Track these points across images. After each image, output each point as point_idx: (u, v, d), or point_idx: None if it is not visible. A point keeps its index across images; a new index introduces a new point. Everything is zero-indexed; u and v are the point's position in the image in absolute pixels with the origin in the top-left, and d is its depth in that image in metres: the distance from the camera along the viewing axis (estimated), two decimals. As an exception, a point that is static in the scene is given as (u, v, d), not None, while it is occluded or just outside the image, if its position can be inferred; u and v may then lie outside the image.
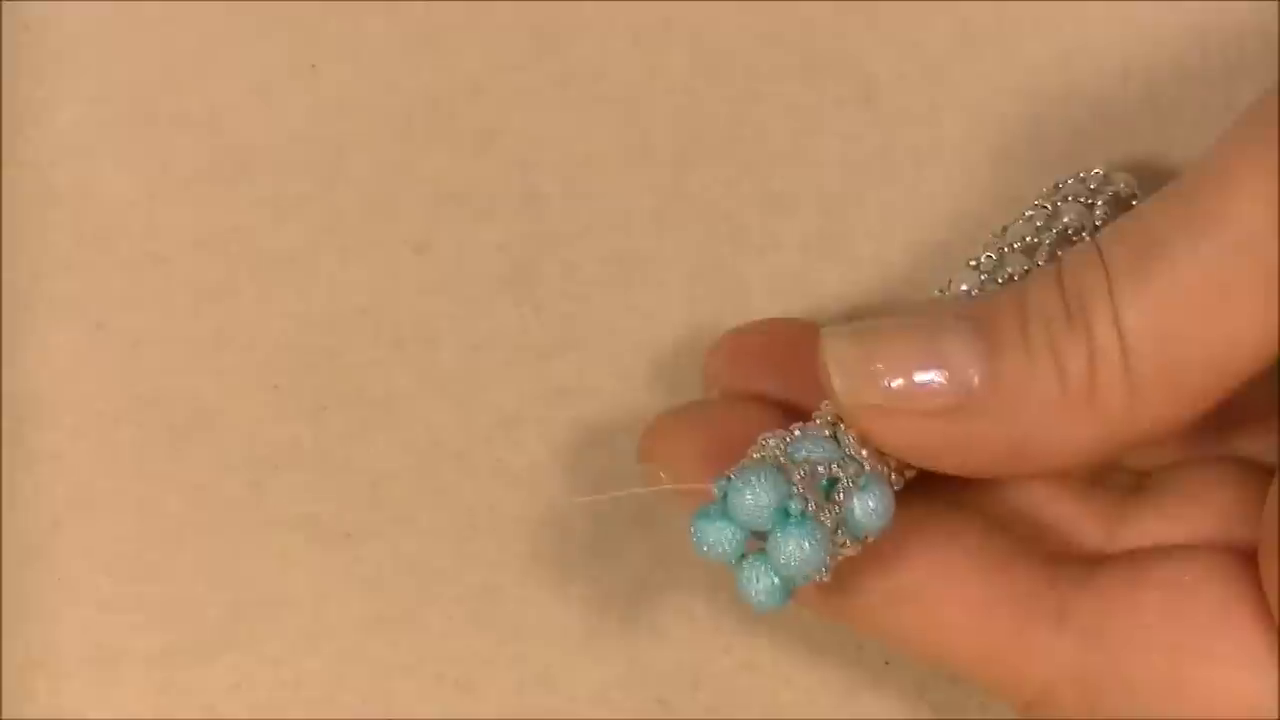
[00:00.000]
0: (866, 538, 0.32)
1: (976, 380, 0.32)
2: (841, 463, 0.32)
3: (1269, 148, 0.31)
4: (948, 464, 0.33)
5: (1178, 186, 0.32)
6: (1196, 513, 0.34)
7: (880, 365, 0.32)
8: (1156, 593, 0.32)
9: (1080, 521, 0.35)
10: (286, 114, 0.39)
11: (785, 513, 0.31)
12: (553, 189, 0.39)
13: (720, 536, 0.32)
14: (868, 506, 0.32)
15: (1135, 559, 0.33)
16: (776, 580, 0.31)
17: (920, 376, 0.32)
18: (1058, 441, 0.32)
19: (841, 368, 0.32)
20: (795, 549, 0.31)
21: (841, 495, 0.32)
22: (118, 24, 0.40)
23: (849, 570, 0.33)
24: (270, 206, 0.39)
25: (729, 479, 0.31)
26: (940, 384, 0.32)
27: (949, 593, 0.33)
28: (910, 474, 0.34)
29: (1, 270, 0.39)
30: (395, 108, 0.39)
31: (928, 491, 0.35)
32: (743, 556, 0.32)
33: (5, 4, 0.39)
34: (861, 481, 0.32)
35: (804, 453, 0.32)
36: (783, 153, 0.39)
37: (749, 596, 0.32)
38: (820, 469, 0.32)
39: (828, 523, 0.31)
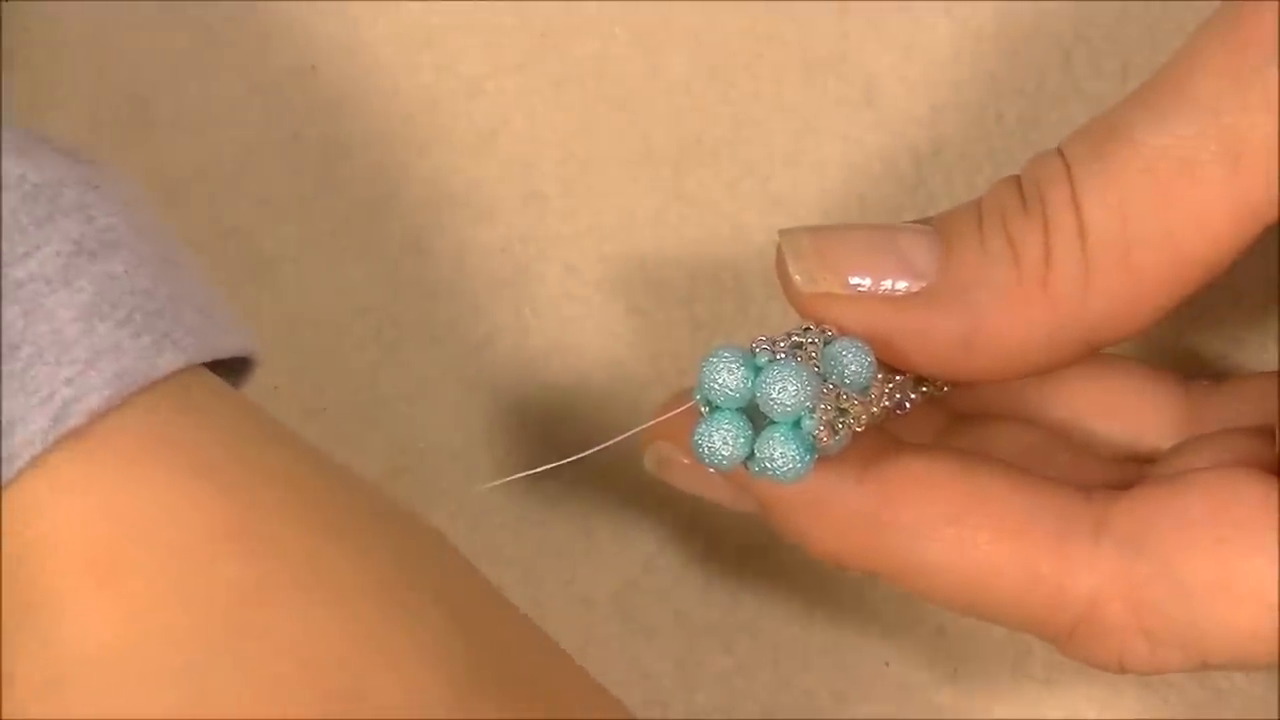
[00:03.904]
0: (870, 400, 0.32)
1: (930, 269, 0.32)
2: (802, 332, 0.32)
3: (1230, 28, 0.31)
4: (904, 354, 0.33)
5: (1140, 88, 0.32)
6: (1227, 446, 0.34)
7: (836, 255, 0.33)
8: (1198, 493, 0.32)
9: (1101, 471, 0.35)
10: (286, 114, 0.39)
11: (755, 366, 0.31)
12: (553, 189, 0.39)
13: (722, 436, 0.31)
14: (838, 350, 0.32)
15: (1171, 474, 0.33)
16: (789, 440, 0.31)
17: (875, 265, 0.32)
18: (1010, 331, 0.32)
19: (798, 258, 0.33)
20: (781, 388, 0.31)
21: (813, 353, 0.32)
22: (118, 24, 0.40)
23: (881, 503, 0.33)
24: (270, 206, 0.39)
25: (699, 377, 0.32)
26: (894, 271, 0.32)
27: (984, 516, 0.32)
28: (925, 390, 0.34)
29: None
30: (395, 108, 0.39)
31: (955, 422, 0.35)
32: (750, 454, 0.32)
33: (5, 4, 0.39)
34: (826, 338, 0.32)
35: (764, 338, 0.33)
36: (783, 153, 0.39)
37: (774, 472, 0.31)
38: (781, 339, 0.32)
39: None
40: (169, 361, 0.30)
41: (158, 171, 0.39)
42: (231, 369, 0.32)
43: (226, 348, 0.31)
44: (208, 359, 0.31)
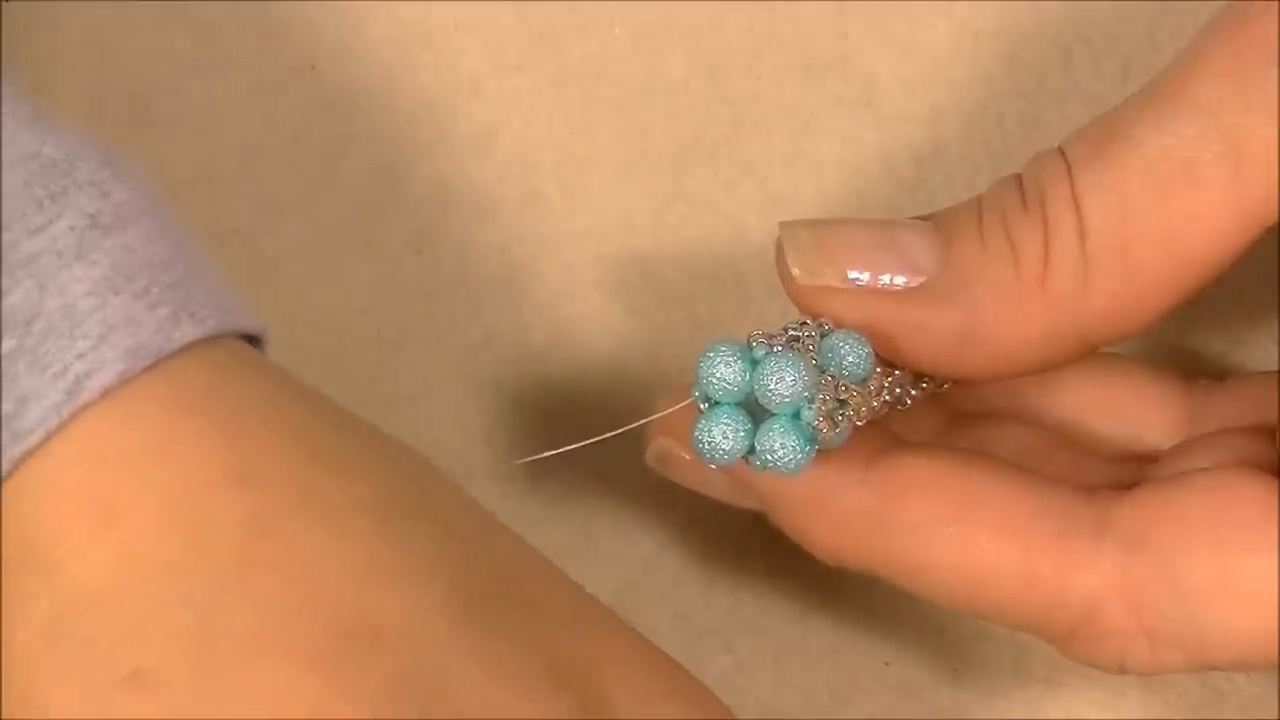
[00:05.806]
0: (869, 392, 0.32)
1: (929, 264, 0.32)
2: (799, 326, 0.32)
3: (1232, 30, 0.31)
4: (902, 349, 0.33)
5: (1142, 89, 0.32)
6: (1227, 446, 0.34)
7: (835, 248, 0.33)
8: (1200, 495, 0.32)
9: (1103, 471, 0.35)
10: (286, 114, 0.39)
11: (753, 360, 0.32)
12: (552, 189, 0.39)
13: (722, 430, 0.32)
14: (836, 341, 0.32)
15: (1172, 475, 0.33)
16: (789, 431, 0.31)
17: (874, 259, 0.33)
18: (1008, 328, 0.32)
19: (797, 251, 0.33)
20: (778, 378, 0.31)
21: (809, 345, 0.32)
22: (118, 24, 0.40)
23: (882, 502, 0.33)
24: (270, 206, 0.39)
25: (697, 373, 0.32)
26: (893, 265, 0.32)
27: (985, 515, 0.32)
28: (925, 386, 0.34)
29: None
30: (395, 108, 0.39)
31: (956, 422, 0.35)
32: (750, 448, 0.32)
33: (5, 4, 0.39)
34: (824, 330, 0.32)
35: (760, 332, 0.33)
36: (782, 152, 0.39)
37: (775, 464, 0.31)
38: (778, 333, 0.32)
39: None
40: (185, 334, 0.30)
41: (158, 171, 0.39)
42: None
43: (242, 323, 0.31)
44: (225, 332, 0.31)
